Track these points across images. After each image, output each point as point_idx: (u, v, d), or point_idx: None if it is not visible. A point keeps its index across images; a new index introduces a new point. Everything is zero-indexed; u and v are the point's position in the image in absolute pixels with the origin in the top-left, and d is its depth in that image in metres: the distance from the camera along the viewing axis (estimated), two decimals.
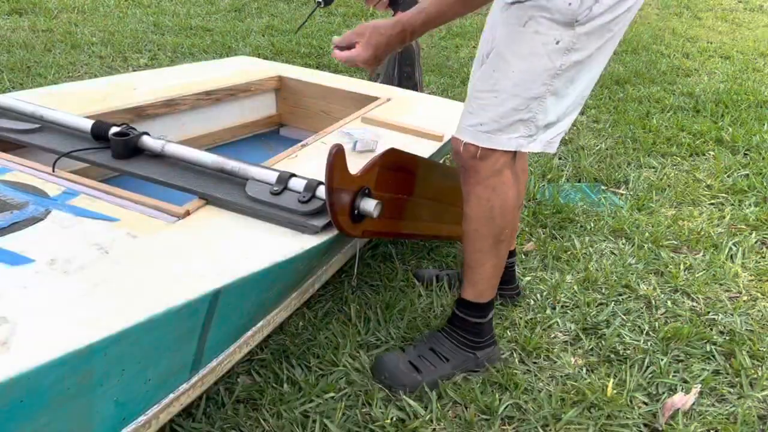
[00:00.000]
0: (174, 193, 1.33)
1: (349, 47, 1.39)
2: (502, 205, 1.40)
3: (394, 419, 1.40)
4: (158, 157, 1.41)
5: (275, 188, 1.28)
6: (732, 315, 1.86)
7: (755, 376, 1.63)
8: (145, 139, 1.41)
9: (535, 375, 1.58)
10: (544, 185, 2.59)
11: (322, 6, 1.37)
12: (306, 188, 1.27)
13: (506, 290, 1.80)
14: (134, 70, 3.42)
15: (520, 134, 1.33)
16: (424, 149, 1.74)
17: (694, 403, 1.53)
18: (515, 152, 1.38)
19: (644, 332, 1.77)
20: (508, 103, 1.31)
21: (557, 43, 1.26)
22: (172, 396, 1.14)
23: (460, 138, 1.38)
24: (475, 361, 1.55)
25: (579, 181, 2.69)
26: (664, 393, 1.56)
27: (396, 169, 1.45)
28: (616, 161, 2.89)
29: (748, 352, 1.71)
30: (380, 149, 1.55)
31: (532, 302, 1.86)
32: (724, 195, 2.63)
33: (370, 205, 1.28)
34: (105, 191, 1.26)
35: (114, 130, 1.41)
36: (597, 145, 3.04)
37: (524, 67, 1.29)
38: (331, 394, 1.45)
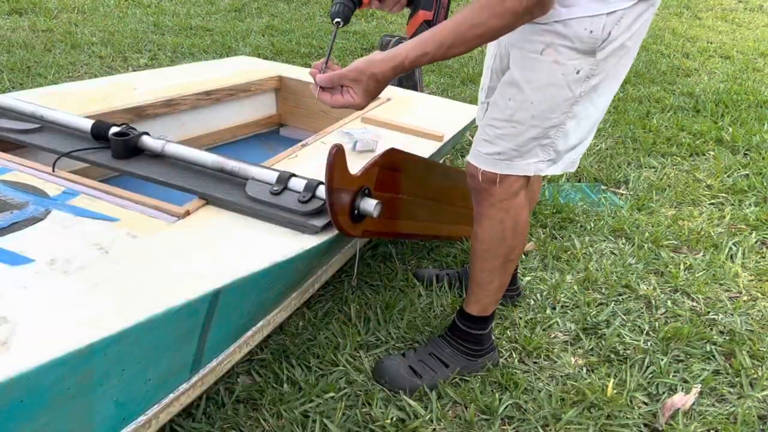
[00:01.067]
0: (174, 193, 1.33)
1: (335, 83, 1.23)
2: (514, 226, 1.38)
3: (394, 419, 1.40)
4: (158, 157, 1.41)
5: (275, 188, 1.28)
6: (732, 315, 1.86)
7: (755, 376, 1.63)
8: (145, 139, 1.41)
9: (535, 375, 1.58)
10: (544, 185, 2.59)
11: (342, 25, 1.31)
12: (306, 188, 1.27)
13: (507, 290, 1.80)
14: (134, 70, 3.43)
15: (539, 159, 1.31)
16: (424, 149, 1.74)
17: (694, 403, 1.53)
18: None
19: (644, 332, 1.77)
20: (527, 133, 1.27)
21: (578, 72, 1.21)
22: (172, 396, 1.14)
23: (477, 165, 1.34)
24: (474, 366, 1.55)
25: (579, 181, 2.69)
26: (664, 393, 1.56)
27: (396, 169, 1.45)
28: (616, 161, 2.89)
29: (748, 352, 1.71)
30: (380, 149, 1.55)
31: (532, 302, 1.86)
32: (724, 195, 2.63)
33: (370, 205, 1.28)
34: (105, 191, 1.26)
35: (114, 130, 1.41)
36: (597, 145, 3.04)
37: (543, 98, 1.24)
38: (331, 394, 1.45)
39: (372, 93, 1.20)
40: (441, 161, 2.27)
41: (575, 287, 1.93)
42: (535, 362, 1.63)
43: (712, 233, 2.31)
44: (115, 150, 1.39)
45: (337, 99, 1.21)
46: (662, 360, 1.65)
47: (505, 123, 1.29)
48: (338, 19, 1.30)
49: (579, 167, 2.77)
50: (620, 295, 1.93)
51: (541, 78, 1.23)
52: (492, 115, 1.32)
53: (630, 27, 1.20)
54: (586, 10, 1.17)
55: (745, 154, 3.08)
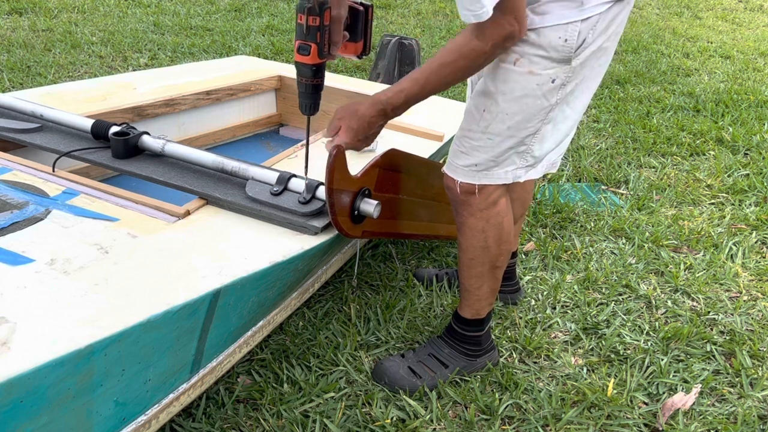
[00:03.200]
0: (174, 193, 1.33)
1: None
2: (497, 234, 1.37)
3: (394, 419, 1.40)
4: (158, 156, 1.41)
5: (275, 189, 1.28)
6: (732, 315, 1.86)
7: (755, 375, 1.63)
8: (145, 138, 1.41)
9: (535, 375, 1.58)
10: (544, 185, 2.59)
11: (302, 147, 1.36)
12: (306, 189, 1.27)
13: (506, 288, 1.80)
14: (134, 70, 3.42)
15: (517, 166, 1.30)
16: (424, 149, 1.74)
17: (694, 403, 1.53)
18: None
19: (644, 332, 1.77)
20: (504, 144, 1.26)
21: (553, 81, 1.19)
22: (172, 396, 1.14)
23: (454, 177, 1.33)
24: (474, 366, 1.55)
25: (579, 181, 2.69)
26: (664, 393, 1.56)
27: (396, 170, 1.45)
28: (616, 161, 2.89)
29: (748, 351, 1.71)
30: (380, 149, 1.55)
31: (532, 302, 1.86)
32: (724, 195, 2.63)
33: (370, 206, 1.28)
34: (105, 191, 1.26)
35: (114, 129, 1.41)
36: (597, 145, 3.04)
37: (518, 109, 1.22)
38: (331, 394, 1.45)
39: (356, 129, 1.27)
40: (441, 161, 2.27)
41: (575, 287, 1.93)
42: (535, 362, 1.63)
43: (713, 233, 2.31)
44: (115, 149, 1.39)
45: (330, 142, 1.27)
46: (662, 360, 1.65)
47: (480, 134, 1.27)
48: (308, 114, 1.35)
49: (579, 167, 2.77)
50: (620, 295, 1.93)
51: (515, 90, 1.21)
52: (467, 126, 1.30)
53: (606, 29, 1.18)
54: (559, 17, 1.14)
55: (746, 153, 3.08)
